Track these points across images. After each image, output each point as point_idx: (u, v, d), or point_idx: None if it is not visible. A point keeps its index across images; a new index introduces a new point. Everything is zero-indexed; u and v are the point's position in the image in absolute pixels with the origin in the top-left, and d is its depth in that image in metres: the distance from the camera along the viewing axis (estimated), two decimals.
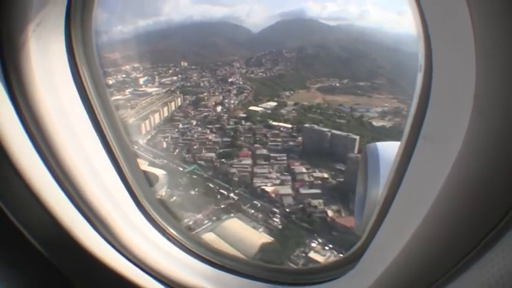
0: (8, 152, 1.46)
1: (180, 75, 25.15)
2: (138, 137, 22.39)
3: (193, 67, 25.49)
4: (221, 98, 24.66)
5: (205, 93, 24.63)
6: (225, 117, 23.74)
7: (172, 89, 24.61)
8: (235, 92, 24.99)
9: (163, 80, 24.78)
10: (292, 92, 25.07)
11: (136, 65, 23.20)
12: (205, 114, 23.90)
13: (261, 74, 25.97)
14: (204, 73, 25.45)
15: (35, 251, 1.83)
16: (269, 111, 23.95)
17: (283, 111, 24.21)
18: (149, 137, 22.99)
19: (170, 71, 24.96)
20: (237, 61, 26.35)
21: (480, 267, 0.88)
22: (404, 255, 1.07)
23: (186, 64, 25.42)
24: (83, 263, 1.80)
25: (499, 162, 0.78)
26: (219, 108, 23.96)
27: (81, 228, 1.73)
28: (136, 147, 21.74)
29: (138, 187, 1.97)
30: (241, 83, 25.46)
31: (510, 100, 0.70)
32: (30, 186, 1.55)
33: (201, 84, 25.05)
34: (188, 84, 25.06)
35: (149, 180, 20.39)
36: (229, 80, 25.43)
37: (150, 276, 1.84)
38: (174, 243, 1.99)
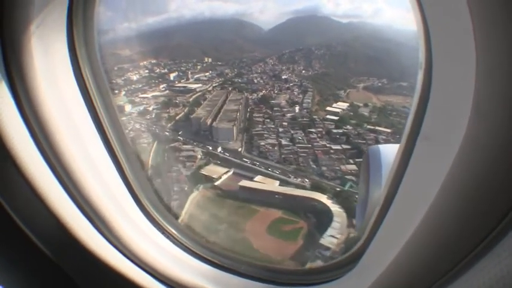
0: (11, 151, 1.50)
1: (211, 71, 23.73)
2: (231, 143, 20.28)
3: (219, 63, 24.17)
4: (287, 96, 22.63)
5: (263, 91, 22.74)
6: (316, 119, 21.40)
7: (214, 85, 23.24)
8: (297, 90, 22.98)
9: (197, 75, 23.31)
10: (345, 92, 23.54)
11: (154, 60, 22.12)
12: (290, 115, 21.46)
13: (304, 72, 24.24)
14: (236, 69, 24.11)
15: (38, 250, 1.87)
16: (351, 113, 22.08)
17: (364, 113, 22.56)
18: (244, 144, 20.57)
19: (198, 67, 23.64)
20: (269, 57, 24.58)
21: (480, 268, 0.88)
22: (404, 255, 1.08)
23: (210, 60, 24.00)
24: (85, 262, 1.84)
25: (499, 162, 0.78)
26: (297, 108, 21.76)
27: (83, 228, 1.76)
28: (247, 160, 19.68)
29: (139, 186, 2.01)
30: (296, 80, 23.49)
31: (510, 100, 0.70)
32: (33, 185, 1.59)
33: (255, 80, 23.23)
34: (240, 80, 23.47)
35: (326, 220, 16.72)
36: (283, 77, 23.47)
37: (151, 276, 1.89)
38: (175, 243, 2.03)
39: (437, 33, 0.81)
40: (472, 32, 0.66)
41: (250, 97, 22.35)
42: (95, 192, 1.70)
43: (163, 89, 21.57)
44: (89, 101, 1.71)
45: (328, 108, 22.02)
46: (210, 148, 19.40)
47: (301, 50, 24.88)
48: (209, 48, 24.63)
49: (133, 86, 20.22)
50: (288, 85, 22.85)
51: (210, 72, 23.36)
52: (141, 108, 19.77)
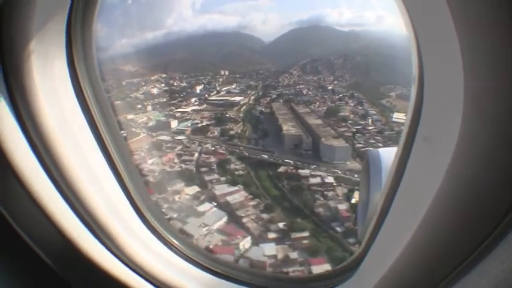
0: (12, 165, 1.48)
1: (235, 84, 22.38)
2: (349, 164, 17.76)
3: (237, 76, 22.99)
4: (349, 108, 20.81)
5: (316, 103, 21.19)
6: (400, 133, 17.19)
7: (252, 97, 21.83)
8: (350, 101, 21.25)
9: (224, 88, 21.89)
10: (385, 101, 22.16)
11: (163, 75, 21.10)
12: (371, 128, 19.42)
13: (336, 82, 22.52)
14: (260, 81, 22.73)
15: (39, 260, 1.82)
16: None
17: None
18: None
19: (220, 79, 22.39)
20: (294, 68, 23.34)
21: (481, 270, 0.88)
22: (403, 260, 1.05)
23: (227, 73, 22.90)
24: (84, 270, 1.80)
25: (493, 163, 0.79)
26: (369, 121, 19.78)
27: (84, 238, 1.71)
28: None
29: (138, 195, 1.92)
30: (344, 91, 21.85)
31: (496, 99, 0.73)
32: (33, 195, 1.56)
33: (304, 92, 21.97)
34: (287, 92, 21.96)
35: None
36: (329, 88, 22.03)
37: (151, 284, 1.82)
38: (174, 251, 1.93)
39: (425, 43, 0.84)
40: (458, 42, 0.69)
41: (310, 109, 20.98)
42: (95, 201, 1.66)
43: (197, 102, 20.24)
44: (89, 115, 1.68)
45: (394, 120, 20.11)
46: (339, 172, 16.69)
47: (319, 61, 23.68)
48: (219, 61, 23.67)
49: (156, 100, 19.03)
50: (337, 96, 21.31)
51: (236, 84, 22.27)
52: (189, 124, 18.37)
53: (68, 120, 1.57)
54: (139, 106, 17.84)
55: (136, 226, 1.85)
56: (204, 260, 1.87)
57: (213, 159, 16.21)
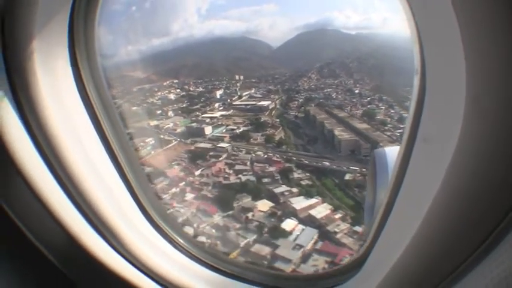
0: (14, 159, 1.48)
1: (254, 89, 21.50)
2: None
3: (253, 80, 22.07)
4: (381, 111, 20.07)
5: (348, 107, 20.39)
6: None
7: (277, 102, 20.84)
8: (381, 104, 20.49)
9: (246, 93, 20.92)
10: (407, 103, 18.85)
11: (175, 80, 20.30)
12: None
13: (358, 85, 22.00)
14: (278, 86, 22.01)
15: (43, 257, 1.82)
16: None
17: None
18: None
19: (238, 84, 21.53)
20: (311, 72, 22.41)
21: (483, 268, 0.88)
22: (407, 258, 1.06)
23: (242, 77, 21.98)
24: (88, 268, 1.80)
25: (493, 163, 0.79)
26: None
27: (87, 234, 1.71)
28: None
29: (144, 195, 1.92)
30: (371, 94, 21.14)
31: (499, 98, 0.74)
32: (36, 192, 1.56)
33: (333, 96, 21.09)
34: (316, 95, 21.07)
35: None
36: (356, 92, 21.32)
37: (157, 283, 1.82)
38: (180, 250, 1.93)
39: (428, 39, 0.85)
40: (460, 38, 0.69)
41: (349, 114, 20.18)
42: (100, 200, 1.66)
43: (221, 107, 19.51)
44: (92, 112, 1.68)
45: None
46: None
47: (333, 64, 22.96)
48: (231, 66, 22.64)
49: (175, 105, 18.56)
50: (366, 99, 20.59)
51: (255, 89, 21.50)
52: (223, 129, 17.46)
53: (71, 117, 1.57)
54: (158, 112, 17.38)
55: (141, 224, 1.85)
56: (210, 258, 1.87)
57: (270, 168, 14.87)
